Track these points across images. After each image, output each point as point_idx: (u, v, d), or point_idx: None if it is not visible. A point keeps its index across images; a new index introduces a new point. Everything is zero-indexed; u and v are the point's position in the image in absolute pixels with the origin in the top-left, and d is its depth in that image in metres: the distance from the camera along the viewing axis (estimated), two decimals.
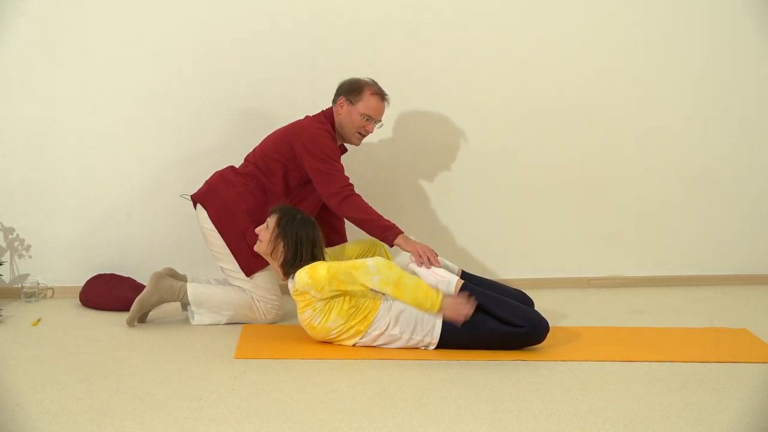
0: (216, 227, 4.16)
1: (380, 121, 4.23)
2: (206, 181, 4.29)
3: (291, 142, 4.15)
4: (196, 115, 4.70)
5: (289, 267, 3.78)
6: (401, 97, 4.67)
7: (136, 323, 4.17)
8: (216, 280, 4.33)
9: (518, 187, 4.94)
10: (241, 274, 4.17)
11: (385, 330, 3.76)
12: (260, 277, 4.18)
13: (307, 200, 4.21)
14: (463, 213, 4.93)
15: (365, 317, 3.74)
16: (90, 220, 4.72)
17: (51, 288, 4.71)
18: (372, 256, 4.08)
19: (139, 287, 4.52)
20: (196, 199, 4.25)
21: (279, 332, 4.09)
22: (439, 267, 3.92)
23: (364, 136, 4.25)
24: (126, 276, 4.67)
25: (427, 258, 3.92)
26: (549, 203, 4.97)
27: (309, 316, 3.75)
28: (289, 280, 3.80)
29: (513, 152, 4.90)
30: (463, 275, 4.02)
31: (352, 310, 3.73)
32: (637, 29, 4.86)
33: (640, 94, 4.93)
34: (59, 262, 4.72)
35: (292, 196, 4.20)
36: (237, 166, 4.33)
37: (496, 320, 3.75)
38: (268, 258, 3.87)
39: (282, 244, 3.78)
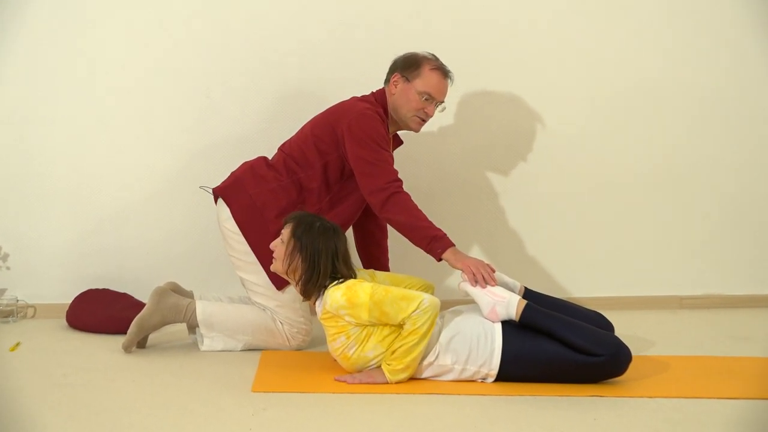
0: (240, 229, 4.16)
1: (442, 101, 4.22)
2: (232, 172, 4.29)
3: (333, 125, 4.14)
4: (206, 99, 4.76)
5: (308, 285, 3.78)
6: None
7: (134, 348, 4.18)
8: (229, 297, 4.34)
9: (591, 186, 4.96)
10: (266, 289, 4.17)
11: (435, 360, 3.76)
12: (289, 293, 4.17)
13: (348, 200, 4.19)
14: (523, 219, 4.95)
15: None
16: (79, 225, 4.77)
17: (32, 306, 4.74)
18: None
19: (137, 305, 4.54)
20: (218, 193, 4.25)
21: (304, 360, 4.09)
22: (496, 285, 3.90)
23: (424, 120, 4.23)
24: (121, 292, 4.70)
25: (482, 276, 3.90)
26: (629, 206, 4.98)
27: (342, 345, 3.75)
28: (317, 302, 3.79)
29: (583, 145, 4.93)
30: (527, 294, 4.00)
31: (394, 336, 3.73)
32: None
33: (743, 73, 4.91)
34: (42, 274, 4.75)
35: (331, 193, 4.19)
36: (270, 157, 4.34)
37: (568, 347, 3.74)
38: (288, 278, 3.86)
39: (299, 259, 3.77)
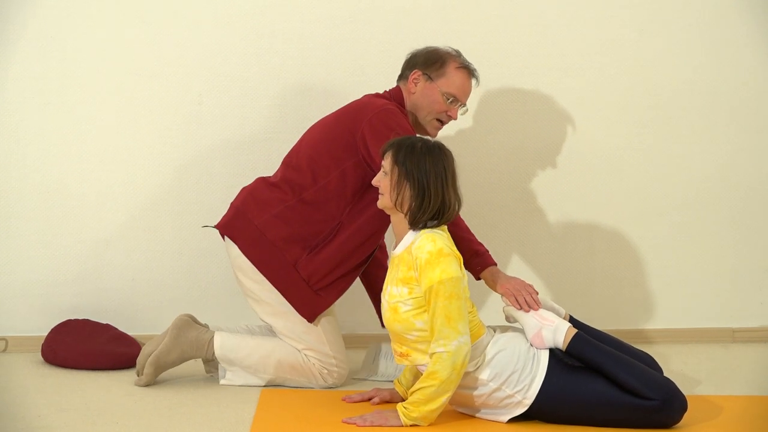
0: (255, 265, 4.12)
1: (465, 105, 4.22)
2: (232, 203, 4.27)
3: (349, 127, 4.10)
4: (197, 106, 4.76)
5: (418, 214, 3.73)
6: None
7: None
8: (247, 326, 4.33)
9: (630, 203, 4.96)
10: (293, 330, 4.13)
11: (473, 371, 3.73)
12: (320, 328, 4.15)
13: (369, 211, 4.11)
14: (551, 238, 4.95)
15: None
16: (56, 249, 4.76)
17: (3, 339, 4.72)
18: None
19: (120, 337, 4.56)
20: (220, 229, 4.24)
21: (308, 398, 4.06)
22: (541, 309, 3.90)
23: (443, 124, 4.23)
24: (103, 323, 4.67)
25: (525, 300, 3.89)
26: (673, 226, 4.97)
27: (400, 296, 3.72)
28: (406, 236, 3.76)
29: (625, 158, 4.93)
30: (573, 323, 3.97)
31: None
32: None
33: None
34: (15, 304, 4.74)
35: (351, 205, 4.13)
36: (270, 176, 4.29)
37: (616, 387, 3.70)
38: (395, 214, 3.80)
39: (406, 186, 3.72)
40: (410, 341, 3.74)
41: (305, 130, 4.29)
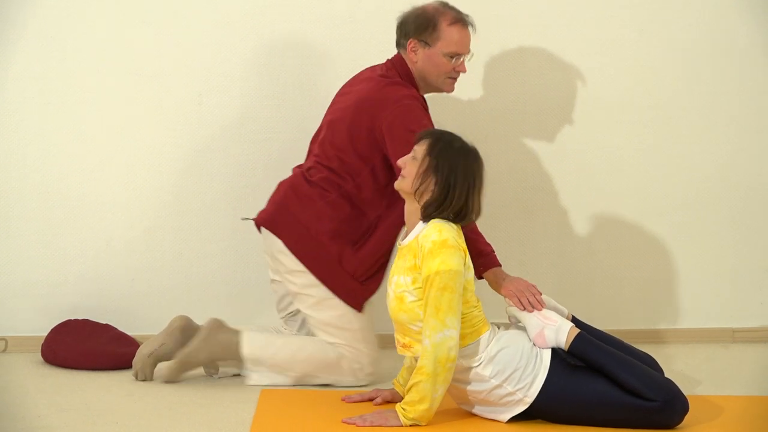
0: (300, 260, 4.14)
1: (470, 52, 4.20)
2: (271, 197, 4.28)
3: (368, 124, 4.10)
4: (197, 105, 4.77)
5: (430, 209, 3.72)
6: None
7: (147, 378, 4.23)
8: (275, 328, 4.37)
9: (630, 203, 4.96)
10: (331, 324, 4.14)
11: (475, 366, 3.73)
12: (362, 321, 4.18)
13: (400, 204, 4.09)
14: (551, 238, 4.95)
15: (464, 335, 3.72)
16: (57, 249, 4.76)
17: (3, 339, 4.71)
18: None
19: (120, 337, 4.55)
20: (261, 223, 4.25)
21: (308, 398, 4.06)
22: (545, 309, 3.90)
23: (456, 78, 4.22)
24: (103, 323, 4.67)
25: (528, 301, 3.89)
26: (673, 226, 4.97)
27: (405, 285, 3.72)
28: (417, 226, 3.75)
29: (624, 157, 4.93)
30: (575, 323, 3.95)
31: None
32: None
33: None
34: (15, 304, 4.74)
35: (386, 194, 4.15)
36: (303, 165, 4.29)
37: (617, 387, 3.70)
38: (408, 197, 3.79)
39: (432, 181, 3.71)
40: (414, 332, 3.73)
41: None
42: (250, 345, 4.15)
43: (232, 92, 4.74)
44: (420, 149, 3.74)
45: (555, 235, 4.93)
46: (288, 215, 4.17)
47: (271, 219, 4.21)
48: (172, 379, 4.18)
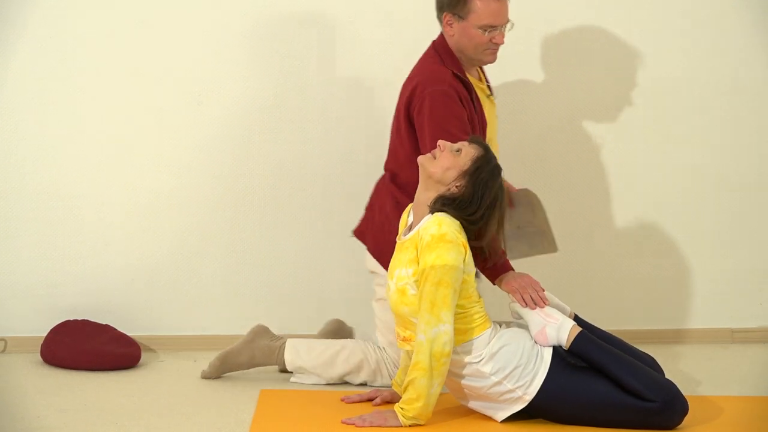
0: (381, 263, 4.17)
1: (508, 21, 4.13)
2: (367, 203, 4.30)
3: (410, 118, 4.08)
4: (197, 105, 4.76)
5: (445, 207, 3.72)
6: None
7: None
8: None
9: (630, 203, 4.95)
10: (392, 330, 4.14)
11: (476, 362, 3.73)
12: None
13: None
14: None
15: (465, 331, 3.73)
16: (56, 249, 4.75)
17: (3, 339, 4.72)
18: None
19: (120, 338, 4.55)
20: (358, 237, 4.31)
21: (307, 399, 4.06)
22: (547, 306, 3.90)
23: (497, 49, 4.15)
24: (102, 323, 4.67)
25: (530, 298, 3.90)
26: (673, 226, 4.96)
27: (407, 278, 3.72)
28: (424, 219, 3.75)
29: (623, 157, 4.94)
30: (577, 322, 3.95)
31: (458, 312, 3.70)
32: None
33: None
34: (15, 304, 4.74)
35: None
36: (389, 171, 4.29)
37: (617, 387, 3.71)
38: (426, 181, 3.78)
39: (463, 185, 3.72)
40: (415, 325, 3.73)
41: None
42: (293, 350, 4.23)
43: (232, 92, 4.74)
44: (469, 149, 3.75)
45: (555, 235, 4.90)
46: (367, 220, 4.25)
47: (360, 227, 4.28)
48: (210, 375, 4.29)
